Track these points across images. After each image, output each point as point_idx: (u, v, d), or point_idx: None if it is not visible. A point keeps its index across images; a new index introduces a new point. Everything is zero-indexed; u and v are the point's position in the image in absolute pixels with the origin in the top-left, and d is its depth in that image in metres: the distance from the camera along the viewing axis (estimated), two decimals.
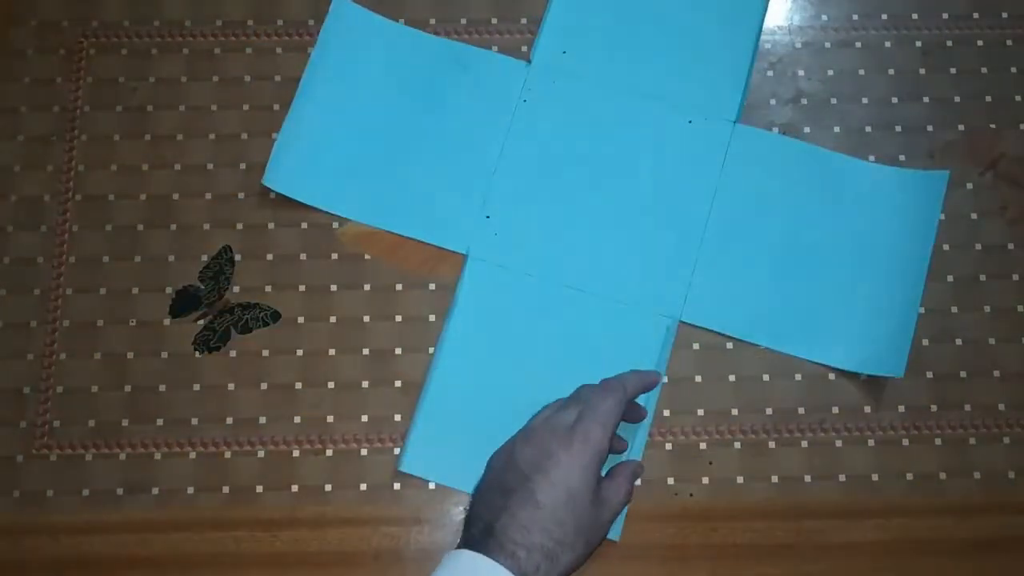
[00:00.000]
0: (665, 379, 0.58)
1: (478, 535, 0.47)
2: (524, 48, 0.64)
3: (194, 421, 0.58)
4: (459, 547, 0.47)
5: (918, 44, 0.64)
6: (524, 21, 0.64)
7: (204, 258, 0.60)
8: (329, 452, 0.57)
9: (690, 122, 0.62)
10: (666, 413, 0.58)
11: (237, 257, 0.61)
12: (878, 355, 0.57)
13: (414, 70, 0.63)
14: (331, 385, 0.59)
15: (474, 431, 0.56)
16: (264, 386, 0.59)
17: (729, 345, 0.59)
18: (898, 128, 0.62)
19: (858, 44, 0.64)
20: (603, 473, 0.51)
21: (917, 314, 0.58)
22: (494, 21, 0.64)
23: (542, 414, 0.52)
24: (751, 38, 0.63)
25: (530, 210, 0.61)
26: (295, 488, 0.57)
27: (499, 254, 0.60)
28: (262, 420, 0.58)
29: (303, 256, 0.60)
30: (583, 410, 0.50)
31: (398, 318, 0.59)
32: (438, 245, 0.60)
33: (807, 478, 0.57)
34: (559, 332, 0.58)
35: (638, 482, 0.55)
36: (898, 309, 0.58)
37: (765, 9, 0.64)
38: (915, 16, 0.64)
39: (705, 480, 0.57)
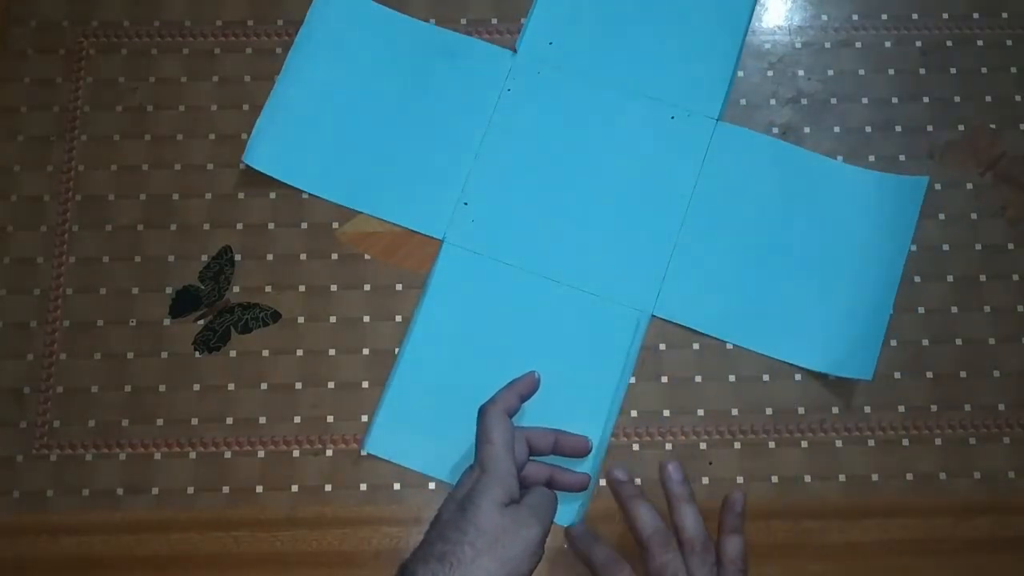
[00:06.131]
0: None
1: None
2: None
3: (194, 421, 0.58)
4: None
5: (918, 44, 0.64)
6: (524, 21, 0.64)
7: (204, 258, 0.60)
8: (329, 452, 0.57)
9: (672, 118, 0.62)
10: (666, 413, 0.58)
11: (237, 257, 0.60)
12: (847, 357, 0.57)
13: (399, 54, 0.63)
14: (331, 385, 0.59)
15: (440, 416, 0.57)
16: (264, 386, 0.59)
17: (729, 346, 0.59)
18: (898, 128, 0.62)
19: (858, 44, 0.64)
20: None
21: (888, 317, 0.58)
22: (494, 21, 0.64)
23: None
24: (738, 37, 0.63)
25: (508, 198, 0.61)
26: (295, 488, 0.57)
27: (475, 241, 0.60)
28: (262, 420, 0.58)
29: (303, 256, 0.60)
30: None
31: (398, 318, 0.59)
32: (414, 229, 0.60)
33: (807, 478, 0.57)
34: (530, 320, 0.59)
35: (638, 481, 0.56)
36: (870, 312, 0.58)
37: (753, 8, 0.64)
38: (915, 16, 0.64)
39: (705, 480, 0.57)
